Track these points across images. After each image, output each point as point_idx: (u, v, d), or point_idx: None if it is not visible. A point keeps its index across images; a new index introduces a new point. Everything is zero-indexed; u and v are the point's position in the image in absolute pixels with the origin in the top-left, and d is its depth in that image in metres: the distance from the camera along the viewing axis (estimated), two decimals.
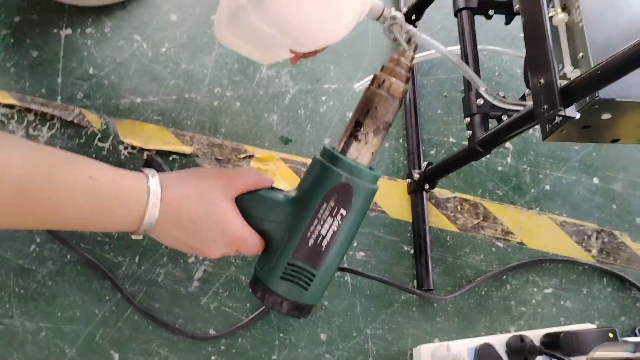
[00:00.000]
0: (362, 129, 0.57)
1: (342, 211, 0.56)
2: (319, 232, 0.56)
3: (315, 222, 0.56)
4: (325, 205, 0.56)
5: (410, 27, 0.61)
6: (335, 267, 0.59)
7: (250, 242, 0.59)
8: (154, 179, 0.56)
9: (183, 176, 0.58)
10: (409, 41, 0.62)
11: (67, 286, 0.77)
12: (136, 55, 0.90)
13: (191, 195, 0.56)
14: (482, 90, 0.67)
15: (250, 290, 0.66)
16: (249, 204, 0.59)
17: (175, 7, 0.94)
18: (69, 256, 0.78)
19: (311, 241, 0.56)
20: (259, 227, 0.59)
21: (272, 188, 0.62)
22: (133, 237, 0.58)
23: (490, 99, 0.67)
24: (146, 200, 0.54)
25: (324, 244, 0.56)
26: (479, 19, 0.81)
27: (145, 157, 0.83)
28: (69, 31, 0.90)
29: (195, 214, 0.56)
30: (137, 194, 0.54)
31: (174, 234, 0.57)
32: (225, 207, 0.57)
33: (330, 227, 0.56)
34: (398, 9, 0.99)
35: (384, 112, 0.57)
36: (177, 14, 0.94)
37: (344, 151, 0.58)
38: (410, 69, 0.59)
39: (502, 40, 1.01)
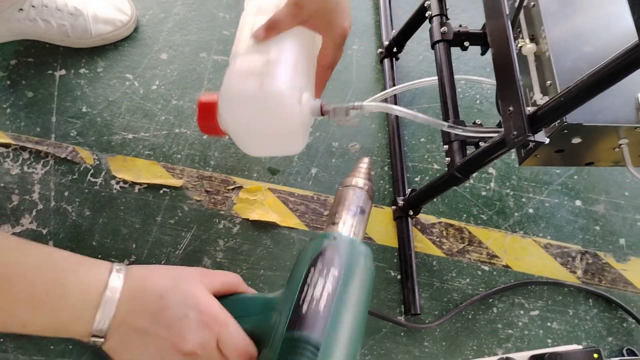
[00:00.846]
0: (337, 215, 0.56)
1: (333, 271, 0.48)
2: (312, 295, 0.47)
3: (306, 287, 0.48)
4: (312, 269, 0.49)
5: (347, 105, 0.67)
6: (347, 338, 0.47)
7: (232, 327, 0.48)
8: (117, 265, 0.49)
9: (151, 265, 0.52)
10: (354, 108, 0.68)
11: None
12: (128, 93, 0.93)
13: (160, 271, 0.50)
14: (445, 128, 0.71)
15: None
16: (231, 304, 0.51)
17: (165, 47, 0.98)
18: None
19: (305, 307, 0.46)
20: (245, 328, 0.50)
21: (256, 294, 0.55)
22: (85, 340, 0.47)
23: (457, 132, 0.70)
24: (109, 269, 0.48)
25: (321, 306, 0.46)
26: (460, 50, 0.84)
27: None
28: (63, 72, 0.93)
29: (164, 286, 0.48)
30: (98, 267, 0.48)
31: (136, 324, 0.47)
32: (199, 287, 0.49)
33: (323, 288, 0.48)
34: (381, 44, 1.03)
35: (352, 199, 0.56)
36: (168, 53, 0.97)
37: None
38: (369, 170, 0.60)
39: (482, 69, 1.04)
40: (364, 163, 0.60)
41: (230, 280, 0.53)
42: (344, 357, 0.46)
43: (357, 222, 0.55)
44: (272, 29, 0.65)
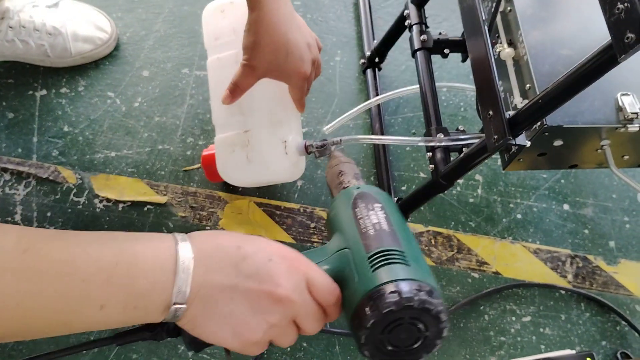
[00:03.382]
0: (342, 176, 0.63)
1: (376, 204, 0.51)
2: (372, 222, 0.49)
3: (362, 220, 0.50)
4: (357, 210, 0.51)
5: (332, 139, 0.76)
6: (416, 245, 0.49)
7: (317, 268, 0.47)
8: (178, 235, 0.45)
9: None
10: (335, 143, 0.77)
11: (43, 342, 0.77)
12: (110, 111, 0.93)
13: (221, 231, 0.48)
14: (419, 143, 0.75)
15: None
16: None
17: (147, 64, 0.98)
18: None
19: (372, 231, 0.48)
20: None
21: None
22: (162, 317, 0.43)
23: (435, 144, 0.72)
24: (173, 241, 0.43)
25: (384, 227, 0.49)
26: (442, 58, 0.84)
27: None
28: (43, 92, 0.93)
29: (238, 238, 0.45)
30: (160, 258, 0.43)
31: (220, 280, 0.43)
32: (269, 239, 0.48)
33: (377, 215, 0.50)
34: (363, 54, 1.04)
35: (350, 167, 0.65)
36: (149, 70, 0.97)
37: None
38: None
39: (465, 77, 1.04)
40: (337, 152, 0.69)
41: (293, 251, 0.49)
42: (423, 258, 0.48)
43: (359, 178, 0.62)
44: (235, 93, 0.72)
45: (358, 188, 0.54)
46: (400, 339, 0.43)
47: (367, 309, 0.42)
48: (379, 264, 0.45)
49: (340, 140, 0.76)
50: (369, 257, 0.45)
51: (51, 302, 0.39)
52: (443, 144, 0.70)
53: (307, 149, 0.78)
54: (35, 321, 0.39)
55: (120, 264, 0.41)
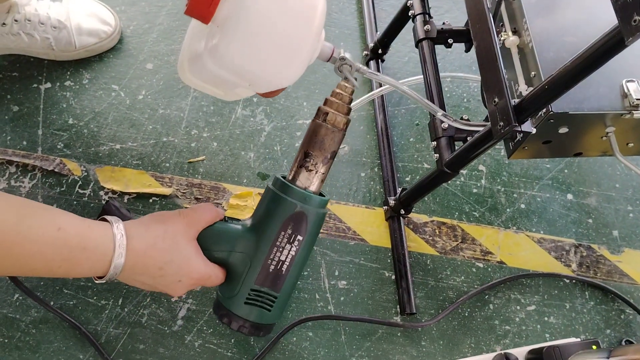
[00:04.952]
0: (311, 160, 0.62)
1: (299, 237, 0.61)
2: (279, 258, 0.62)
3: (275, 249, 0.61)
4: (283, 233, 0.61)
5: (360, 65, 0.62)
6: (293, 286, 0.65)
7: (214, 277, 0.63)
8: (119, 230, 0.58)
9: (147, 223, 0.61)
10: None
11: (51, 333, 0.77)
12: (114, 103, 0.93)
13: (157, 243, 0.59)
14: (439, 115, 0.70)
15: (214, 315, 0.70)
16: (210, 239, 0.63)
17: (150, 57, 0.98)
18: (52, 303, 0.79)
19: (272, 267, 0.62)
20: (220, 259, 0.64)
21: (226, 219, 0.65)
22: (97, 282, 0.60)
23: (449, 122, 0.70)
24: (112, 251, 0.57)
25: (284, 268, 0.62)
26: (445, 50, 0.85)
27: (104, 202, 0.85)
28: (48, 85, 0.93)
29: (162, 261, 0.59)
30: (103, 246, 0.57)
31: (139, 279, 0.61)
32: (190, 250, 0.61)
33: (289, 253, 0.61)
34: (366, 44, 1.04)
35: (330, 143, 0.62)
36: (153, 63, 0.97)
37: (294, 180, 0.63)
38: (351, 101, 0.64)
39: (468, 68, 1.05)
40: (350, 85, 0.63)
41: (208, 219, 0.63)
42: (288, 299, 0.65)
43: (326, 168, 0.63)
44: None
45: (305, 200, 0.61)
46: None
47: (225, 320, 0.64)
48: (252, 301, 0.63)
49: (360, 68, 0.63)
50: (252, 289, 0.62)
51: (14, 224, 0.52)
52: (458, 124, 0.69)
53: (331, 57, 0.62)
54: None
55: (67, 261, 0.55)
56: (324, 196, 0.64)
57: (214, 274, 0.63)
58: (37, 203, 0.57)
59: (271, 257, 0.62)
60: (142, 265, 0.59)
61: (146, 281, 0.61)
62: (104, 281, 0.59)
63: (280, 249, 0.61)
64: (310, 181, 0.62)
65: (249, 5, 0.52)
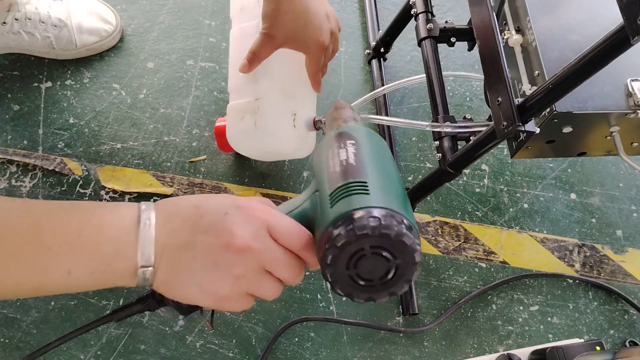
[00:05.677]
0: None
1: (349, 141, 0.47)
2: (340, 160, 0.45)
3: (330, 161, 0.46)
4: (330, 151, 0.47)
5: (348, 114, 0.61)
6: (386, 175, 0.45)
7: (278, 214, 0.46)
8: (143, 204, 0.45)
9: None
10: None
11: (51, 333, 0.77)
12: (115, 102, 0.93)
13: (187, 196, 0.47)
14: (426, 128, 0.73)
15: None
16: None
17: (151, 55, 0.97)
18: (53, 303, 0.78)
19: (337, 168, 0.45)
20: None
21: None
22: (134, 282, 0.43)
23: (441, 129, 0.71)
24: (137, 209, 0.44)
25: (351, 161, 0.45)
26: (448, 48, 0.84)
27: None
28: (49, 84, 0.93)
29: (196, 199, 0.46)
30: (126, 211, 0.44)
31: (180, 239, 0.43)
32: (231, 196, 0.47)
33: (346, 153, 0.46)
34: (368, 43, 1.03)
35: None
36: (154, 62, 0.97)
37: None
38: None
39: (471, 67, 1.04)
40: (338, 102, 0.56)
41: (263, 201, 0.48)
42: (396, 186, 0.44)
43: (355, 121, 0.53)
44: (253, 61, 0.72)
45: (338, 129, 0.49)
46: (369, 271, 0.41)
47: (326, 246, 0.40)
48: (338, 199, 0.42)
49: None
50: (330, 194, 0.43)
51: (20, 268, 0.41)
52: (451, 130, 0.69)
53: (315, 124, 0.78)
54: (6, 284, 0.41)
55: (86, 230, 0.42)
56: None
57: (279, 213, 0.46)
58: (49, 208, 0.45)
59: (330, 167, 0.45)
60: (175, 212, 0.44)
61: (188, 238, 0.43)
62: (139, 269, 0.42)
63: (336, 155, 0.46)
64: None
65: (243, 152, 0.83)
